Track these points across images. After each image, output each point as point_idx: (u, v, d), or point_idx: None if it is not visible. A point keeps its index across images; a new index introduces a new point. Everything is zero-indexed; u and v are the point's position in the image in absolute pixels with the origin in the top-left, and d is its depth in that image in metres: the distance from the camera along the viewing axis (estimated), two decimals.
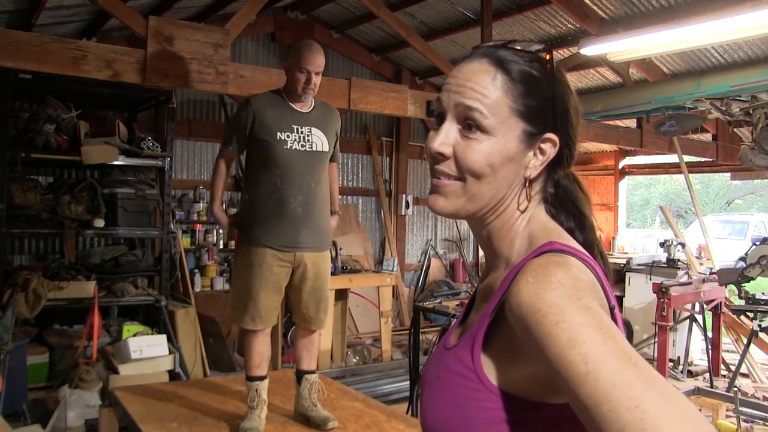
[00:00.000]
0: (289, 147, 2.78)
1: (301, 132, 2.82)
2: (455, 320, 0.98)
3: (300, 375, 3.00)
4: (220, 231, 6.32)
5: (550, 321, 0.66)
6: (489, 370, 0.77)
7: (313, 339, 3.04)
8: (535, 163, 0.83)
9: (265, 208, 2.81)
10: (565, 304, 0.67)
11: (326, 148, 2.88)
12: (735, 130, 6.50)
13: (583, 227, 0.88)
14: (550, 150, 0.83)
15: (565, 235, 0.83)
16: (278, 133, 2.78)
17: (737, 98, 5.35)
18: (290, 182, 2.78)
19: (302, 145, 2.81)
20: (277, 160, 2.78)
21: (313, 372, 3.01)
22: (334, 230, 3.20)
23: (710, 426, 0.59)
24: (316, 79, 2.83)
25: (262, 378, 2.89)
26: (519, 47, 0.83)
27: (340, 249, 5.79)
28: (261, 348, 2.90)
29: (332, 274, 5.50)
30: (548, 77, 0.83)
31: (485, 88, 0.81)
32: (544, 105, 0.82)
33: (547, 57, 0.83)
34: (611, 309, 0.77)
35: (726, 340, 5.94)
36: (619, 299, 6.45)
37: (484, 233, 0.87)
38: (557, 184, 0.88)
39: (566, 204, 0.88)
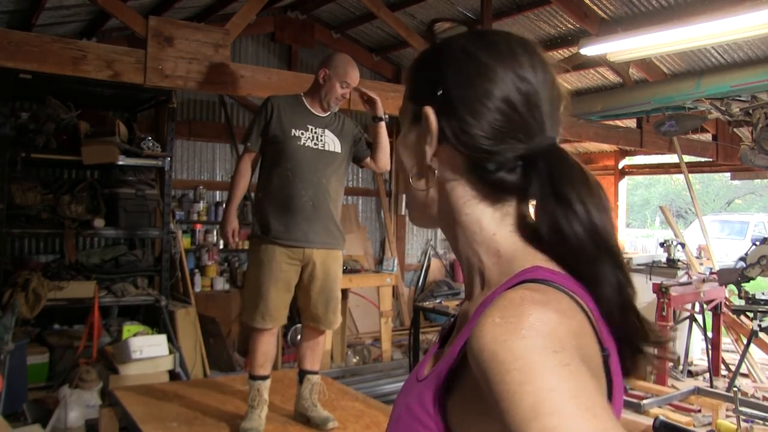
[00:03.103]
0: (302, 143, 2.88)
1: (315, 132, 2.92)
2: (431, 346, 0.82)
3: (302, 375, 3.01)
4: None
5: (514, 379, 0.52)
6: (454, 420, 0.64)
7: (319, 340, 3.07)
8: (425, 147, 0.71)
9: (276, 203, 2.87)
10: (535, 360, 0.53)
11: (338, 150, 2.96)
12: (735, 130, 6.50)
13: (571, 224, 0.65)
14: (427, 125, 0.71)
15: (540, 256, 0.67)
16: (293, 130, 2.87)
17: (737, 98, 5.35)
18: (302, 177, 2.85)
19: (315, 144, 2.90)
20: (290, 155, 2.86)
21: (315, 373, 3.02)
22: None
23: None
24: (347, 92, 2.97)
25: (264, 378, 2.90)
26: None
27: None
28: (266, 348, 2.92)
29: None
30: (435, 53, 0.74)
31: (404, 87, 0.78)
32: (420, 78, 0.75)
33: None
34: (605, 357, 0.62)
35: (726, 340, 5.94)
36: None
37: (452, 246, 0.75)
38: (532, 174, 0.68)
39: (549, 223, 0.66)
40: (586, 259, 0.64)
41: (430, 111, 0.71)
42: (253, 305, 2.85)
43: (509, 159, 0.68)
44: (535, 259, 0.67)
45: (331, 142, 2.95)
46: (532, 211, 0.72)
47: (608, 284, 0.64)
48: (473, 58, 0.70)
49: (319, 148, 2.91)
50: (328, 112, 3.00)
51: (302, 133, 2.89)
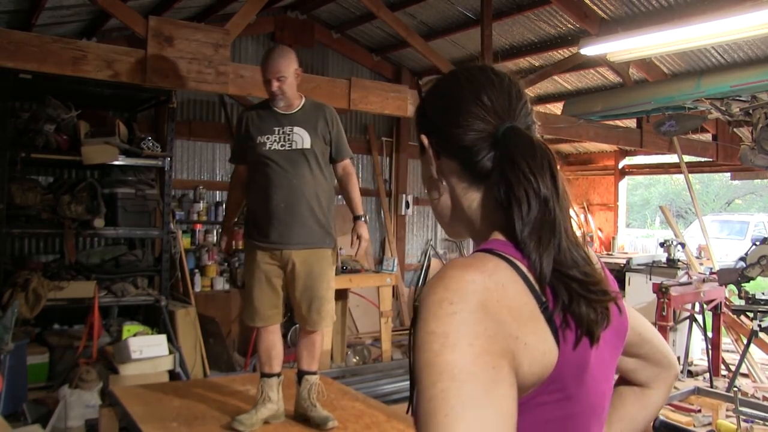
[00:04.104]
0: (268, 148, 2.89)
1: (283, 132, 2.91)
2: None
3: (300, 375, 3.03)
4: (220, 231, 6.31)
5: (419, 323, 0.72)
6: None
7: (313, 339, 3.03)
8: (430, 165, 0.93)
9: (254, 208, 2.99)
10: (430, 308, 0.72)
11: (308, 145, 2.91)
12: (735, 130, 6.51)
13: (513, 205, 0.82)
14: (427, 146, 0.93)
15: (500, 233, 0.84)
16: (258, 137, 2.91)
17: (737, 98, 5.35)
18: (272, 181, 2.89)
19: (282, 145, 2.90)
20: (260, 162, 2.91)
21: (313, 373, 3.02)
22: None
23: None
24: (281, 84, 2.87)
25: (269, 375, 2.94)
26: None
27: (340, 249, 5.78)
28: (266, 345, 3.00)
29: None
30: (421, 99, 0.97)
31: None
32: (417, 118, 0.97)
33: (416, 86, 1.08)
34: (544, 306, 0.76)
35: (726, 340, 5.94)
36: None
37: (471, 237, 0.95)
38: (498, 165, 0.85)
39: (500, 189, 0.84)
40: (520, 216, 0.80)
41: (423, 137, 0.93)
42: (245, 305, 3.02)
43: (485, 146, 0.87)
44: (496, 235, 0.84)
45: (299, 139, 2.91)
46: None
47: (534, 243, 0.79)
48: (441, 91, 0.94)
49: (287, 148, 2.89)
50: (296, 108, 2.95)
51: (268, 138, 2.90)
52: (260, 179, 2.92)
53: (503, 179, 0.83)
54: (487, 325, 0.70)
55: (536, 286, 0.77)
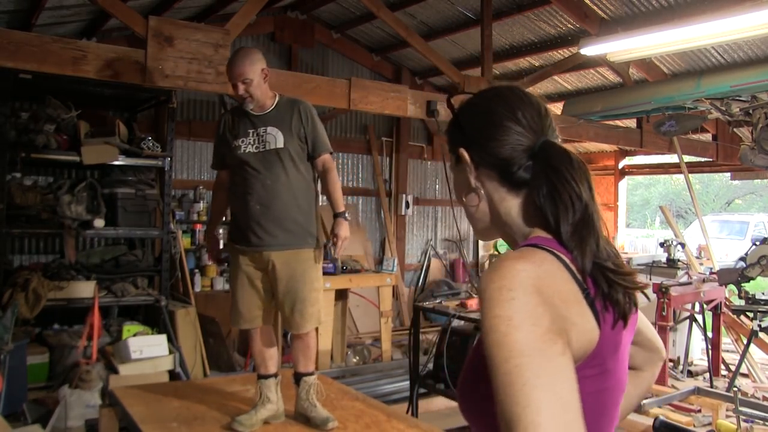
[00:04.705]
0: (243, 151, 2.88)
1: (257, 134, 2.88)
2: None
3: (297, 378, 3.02)
4: (220, 231, 6.29)
5: (483, 307, 0.83)
6: None
7: (306, 341, 2.98)
8: (469, 175, 1.03)
9: (234, 212, 3.00)
10: (493, 297, 0.82)
11: (281, 144, 2.85)
12: (735, 130, 6.50)
13: (559, 208, 0.94)
14: (464, 159, 1.03)
15: (542, 231, 0.96)
16: (234, 141, 2.90)
17: (737, 98, 5.35)
18: (247, 183, 2.87)
19: (256, 147, 2.87)
20: (236, 165, 2.91)
21: (309, 374, 3.00)
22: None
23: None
24: (246, 86, 2.81)
25: (265, 376, 2.94)
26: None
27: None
28: (259, 347, 3.00)
29: (332, 273, 5.53)
30: (455, 116, 1.07)
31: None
32: (452, 133, 1.07)
33: (447, 102, 1.13)
34: (586, 293, 0.88)
35: (726, 340, 5.94)
36: None
37: (505, 239, 1.07)
38: (536, 172, 0.97)
39: (541, 193, 0.96)
40: (565, 216, 0.92)
41: (463, 150, 1.03)
42: (231, 307, 3.01)
43: (522, 158, 0.98)
44: (538, 232, 0.96)
45: (273, 139, 2.85)
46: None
47: (578, 238, 0.91)
48: (478, 109, 1.04)
49: (260, 150, 2.85)
50: (269, 108, 2.90)
51: (242, 141, 2.87)
52: (239, 182, 2.90)
53: (548, 185, 0.95)
54: (543, 307, 0.82)
55: (578, 276, 0.89)
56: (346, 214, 2.98)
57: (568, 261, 0.89)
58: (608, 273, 0.91)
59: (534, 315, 0.80)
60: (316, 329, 3.09)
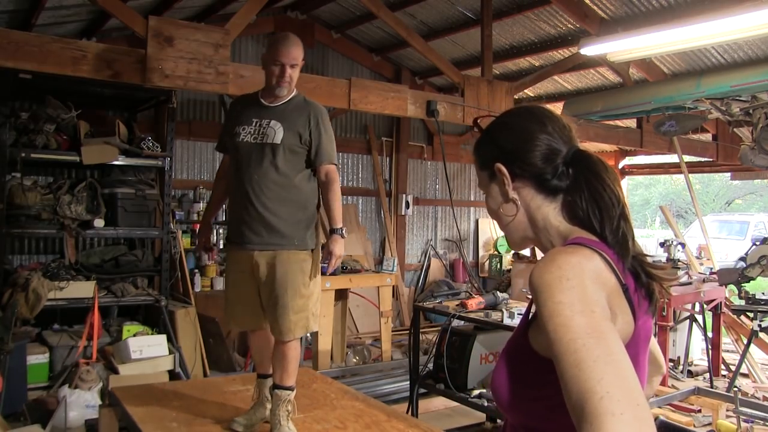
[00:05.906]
0: (241, 139, 2.74)
1: (259, 124, 2.74)
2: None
3: (273, 387, 2.80)
4: (220, 231, 6.31)
5: (542, 297, 0.91)
6: (532, 336, 1.02)
7: (283, 351, 2.73)
8: (506, 187, 1.11)
9: (229, 204, 2.90)
10: (552, 284, 0.90)
11: (278, 140, 2.69)
12: (735, 130, 6.50)
13: (602, 209, 1.04)
14: (501, 173, 1.11)
15: (583, 232, 1.05)
16: (236, 127, 2.77)
17: (737, 98, 5.35)
18: (241, 175, 2.74)
19: (254, 138, 2.72)
20: (234, 153, 2.80)
21: (285, 388, 2.73)
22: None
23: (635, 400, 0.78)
24: (292, 72, 2.72)
25: (264, 376, 2.94)
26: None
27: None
28: (257, 347, 2.97)
29: (332, 274, 5.49)
30: (486, 134, 1.17)
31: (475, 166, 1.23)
32: (485, 151, 1.16)
33: (474, 123, 1.27)
34: (625, 288, 0.98)
35: (726, 340, 5.94)
36: None
37: (539, 245, 1.15)
38: (572, 182, 1.08)
39: (583, 197, 1.06)
40: (609, 216, 1.03)
41: (500, 164, 1.11)
42: (224, 307, 2.92)
43: (558, 165, 1.08)
44: (579, 232, 1.05)
45: (272, 132, 2.70)
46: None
47: (621, 235, 1.02)
48: (511, 126, 1.15)
49: (258, 141, 2.71)
50: (281, 101, 2.77)
51: (243, 129, 2.74)
52: (233, 172, 2.79)
53: (589, 189, 1.05)
54: (599, 295, 0.92)
55: (618, 272, 0.98)
56: (343, 231, 2.81)
57: (608, 257, 0.98)
58: (647, 266, 1.03)
59: (592, 301, 0.89)
60: (316, 334, 2.96)
